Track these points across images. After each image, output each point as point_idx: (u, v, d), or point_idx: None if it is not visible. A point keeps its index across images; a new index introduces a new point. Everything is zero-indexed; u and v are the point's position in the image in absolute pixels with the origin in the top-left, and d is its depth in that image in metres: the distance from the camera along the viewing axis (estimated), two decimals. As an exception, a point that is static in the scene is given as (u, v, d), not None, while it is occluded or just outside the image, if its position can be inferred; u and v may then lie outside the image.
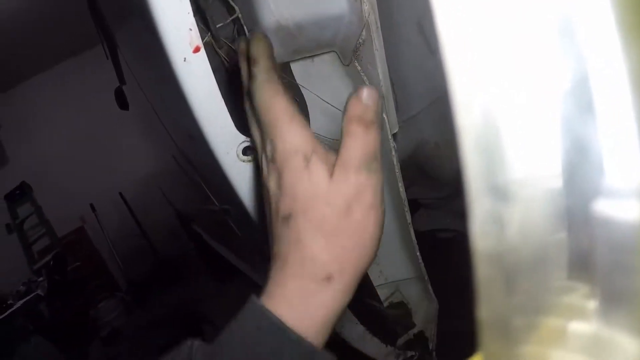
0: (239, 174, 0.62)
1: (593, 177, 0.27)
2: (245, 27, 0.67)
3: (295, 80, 0.76)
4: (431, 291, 1.00)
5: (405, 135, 0.93)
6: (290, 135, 0.44)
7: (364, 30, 0.70)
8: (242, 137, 0.60)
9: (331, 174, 0.44)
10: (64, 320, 3.16)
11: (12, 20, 3.62)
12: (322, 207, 0.42)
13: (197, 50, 0.46)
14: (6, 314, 2.79)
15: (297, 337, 0.39)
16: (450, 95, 0.29)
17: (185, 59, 0.45)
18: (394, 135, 0.76)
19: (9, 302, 3.06)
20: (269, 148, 0.45)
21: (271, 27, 0.69)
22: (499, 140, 0.28)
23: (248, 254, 1.52)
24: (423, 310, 1.04)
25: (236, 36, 0.68)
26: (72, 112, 4.63)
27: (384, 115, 0.74)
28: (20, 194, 4.39)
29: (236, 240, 1.46)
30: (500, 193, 0.29)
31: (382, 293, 0.97)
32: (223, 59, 0.67)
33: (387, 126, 0.74)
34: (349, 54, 0.75)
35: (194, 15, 0.45)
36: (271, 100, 0.44)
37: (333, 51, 0.79)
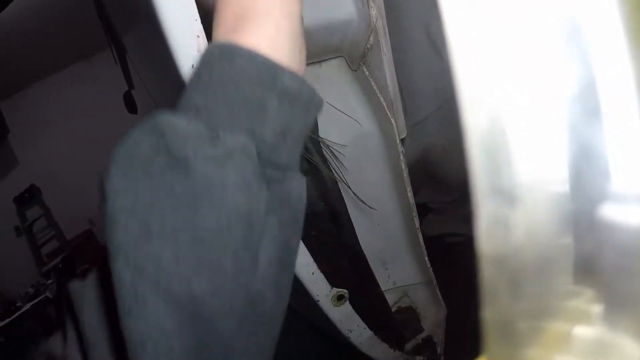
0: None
1: (599, 181, 0.27)
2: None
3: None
4: (439, 296, 1.00)
5: (413, 140, 0.93)
6: None
7: (371, 36, 0.70)
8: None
9: None
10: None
11: (20, 24, 3.66)
12: None
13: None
14: (14, 316, 2.80)
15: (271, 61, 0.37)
16: (457, 98, 0.29)
17: (193, 65, 0.45)
18: (402, 140, 0.76)
19: (17, 305, 3.08)
20: None
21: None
22: (505, 144, 0.28)
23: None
24: (431, 315, 1.04)
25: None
26: (80, 115, 4.67)
27: (392, 120, 0.74)
28: (29, 196, 4.42)
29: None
30: (506, 196, 0.29)
31: (391, 298, 0.97)
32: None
33: (395, 131, 0.74)
34: (357, 59, 0.76)
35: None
36: None
37: (341, 56, 0.79)
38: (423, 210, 1.27)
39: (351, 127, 0.79)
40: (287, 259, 0.40)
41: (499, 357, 0.31)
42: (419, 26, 0.84)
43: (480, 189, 0.29)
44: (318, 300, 0.75)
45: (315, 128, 0.74)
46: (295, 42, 0.41)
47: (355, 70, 0.77)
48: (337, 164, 0.75)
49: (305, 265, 0.71)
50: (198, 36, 0.45)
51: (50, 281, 3.45)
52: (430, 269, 0.92)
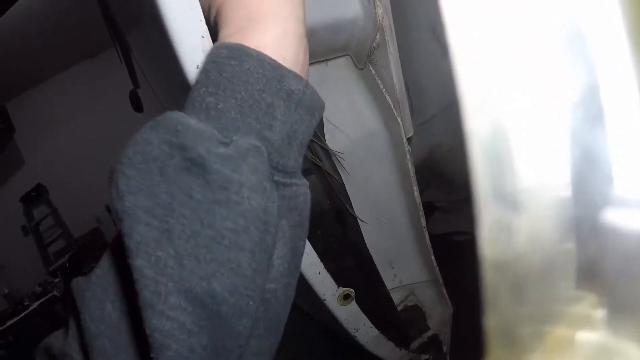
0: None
1: (602, 186, 0.27)
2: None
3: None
4: (446, 295, 1.00)
5: (420, 139, 0.93)
6: None
7: (378, 34, 0.70)
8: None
9: None
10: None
11: (24, 23, 3.68)
12: None
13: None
14: (22, 315, 2.82)
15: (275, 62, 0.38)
16: (460, 102, 0.29)
17: (198, 66, 0.45)
18: (409, 139, 0.76)
19: (25, 304, 3.11)
20: None
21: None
22: (508, 149, 0.28)
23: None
24: (437, 313, 1.04)
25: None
26: (86, 113, 4.68)
27: (399, 119, 0.74)
28: (36, 195, 4.44)
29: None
30: (509, 201, 0.29)
31: (397, 296, 0.97)
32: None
33: (402, 130, 0.74)
34: (363, 58, 0.75)
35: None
36: None
37: (347, 55, 0.79)
38: (429, 208, 1.27)
39: (358, 125, 0.79)
40: (296, 262, 0.41)
41: None
42: (425, 25, 0.84)
43: (483, 194, 0.29)
44: (324, 300, 0.75)
45: (321, 127, 0.74)
46: (300, 44, 0.41)
47: (362, 69, 0.77)
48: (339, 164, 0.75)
49: (312, 265, 0.71)
50: (203, 37, 0.45)
51: (57, 280, 3.47)
52: (437, 267, 0.92)
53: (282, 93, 0.38)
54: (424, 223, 0.84)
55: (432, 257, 0.90)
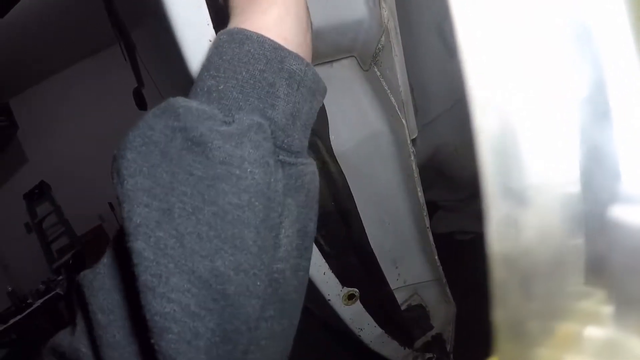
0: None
1: (610, 182, 0.27)
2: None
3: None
4: (449, 294, 1.00)
5: (424, 140, 0.93)
6: None
7: (383, 36, 0.70)
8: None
9: None
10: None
11: (27, 21, 3.68)
12: None
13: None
14: (26, 312, 2.83)
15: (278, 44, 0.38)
16: (468, 99, 0.29)
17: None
18: (413, 141, 0.76)
19: (28, 302, 3.12)
20: None
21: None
22: (516, 145, 0.28)
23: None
24: (441, 312, 1.04)
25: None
26: (89, 111, 4.69)
27: (403, 121, 0.74)
28: (39, 193, 4.46)
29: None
30: (517, 197, 0.29)
31: (401, 296, 0.97)
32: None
33: (407, 131, 0.74)
34: (368, 60, 0.76)
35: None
36: None
37: (352, 56, 0.79)
38: (433, 207, 1.27)
39: (362, 126, 0.79)
40: (306, 244, 0.40)
41: (509, 358, 0.31)
42: (430, 26, 0.84)
43: (491, 189, 0.29)
44: (329, 300, 0.76)
45: (326, 128, 0.74)
46: (301, 24, 0.42)
47: (367, 71, 0.77)
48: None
49: (316, 265, 0.72)
50: (210, 40, 0.45)
51: (60, 277, 3.48)
52: (440, 267, 0.93)
53: (283, 73, 0.38)
54: (427, 223, 0.84)
55: (436, 257, 0.90)
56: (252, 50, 0.37)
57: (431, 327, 1.04)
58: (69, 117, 4.77)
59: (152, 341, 0.31)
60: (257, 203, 0.34)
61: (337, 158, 0.73)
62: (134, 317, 0.34)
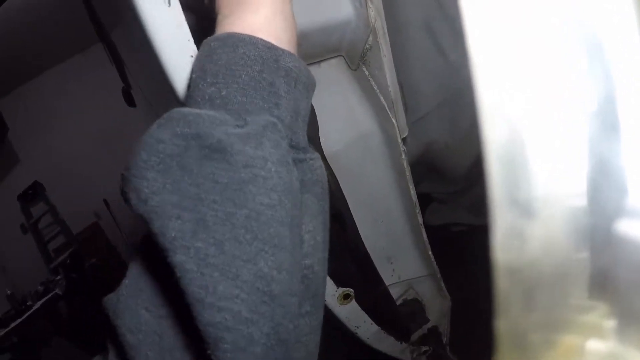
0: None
1: (616, 196, 0.27)
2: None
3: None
4: (444, 288, 1.01)
5: (415, 137, 0.93)
6: None
7: (370, 36, 0.70)
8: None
9: None
10: (83, 318, 3.20)
11: (12, 19, 3.62)
12: None
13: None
14: (26, 315, 2.83)
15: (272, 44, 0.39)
16: (465, 101, 0.29)
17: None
18: (404, 139, 0.76)
19: (27, 304, 3.11)
20: None
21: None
22: (524, 157, 0.28)
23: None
24: (436, 306, 1.05)
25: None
26: (79, 108, 4.64)
27: (393, 120, 0.74)
28: (33, 193, 4.43)
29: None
30: (523, 208, 0.29)
31: (396, 291, 0.98)
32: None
33: (397, 130, 0.74)
34: (356, 59, 0.75)
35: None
36: None
37: (340, 56, 0.79)
38: (427, 199, 1.28)
39: (352, 126, 0.79)
40: (325, 237, 0.41)
41: None
42: (419, 23, 0.83)
43: (497, 200, 0.29)
44: (324, 300, 0.76)
45: (316, 129, 0.74)
46: (287, 22, 0.42)
47: (355, 70, 0.77)
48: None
49: (311, 268, 0.72)
50: (192, 56, 0.45)
51: (59, 277, 3.47)
52: (434, 262, 0.93)
53: (280, 71, 0.38)
54: (420, 220, 0.85)
55: (430, 253, 0.91)
56: (247, 53, 0.37)
57: (427, 320, 1.05)
58: (59, 115, 4.72)
59: (209, 352, 0.31)
60: (286, 201, 0.34)
61: (327, 159, 0.73)
62: (172, 331, 0.34)
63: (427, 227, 0.89)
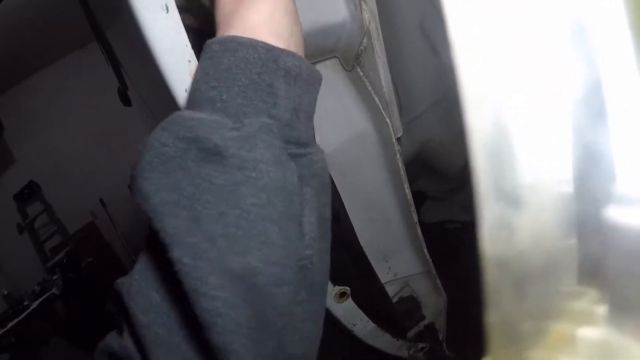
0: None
1: (604, 183, 0.27)
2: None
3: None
4: (440, 285, 1.02)
5: (409, 137, 0.94)
6: None
7: (364, 38, 0.71)
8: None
9: None
10: (80, 317, 3.20)
11: (7, 17, 3.60)
12: None
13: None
14: (23, 315, 2.82)
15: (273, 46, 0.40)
16: (460, 99, 0.29)
17: (186, 90, 0.46)
18: (398, 139, 0.77)
19: (25, 304, 3.10)
20: None
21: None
22: (509, 146, 0.28)
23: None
24: (432, 303, 1.06)
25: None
26: (75, 107, 4.62)
27: (388, 120, 0.75)
28: (29, 193, 4.41)
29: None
30: (510, 199, 0.29)
31: (392, 289, 0.99)
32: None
33: (392, 131, 0.75)
34: (351, 61, 0.76)
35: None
36: None
37: (335, 57, 0.79)
38: (421, 197, 1.29)
39: (347, 127, 0.80)
40: (325, 228, 0.44)
41: (503, 358, 0.32)
42: (413, 25, 0.84)
43: (484, 191, 0.29)
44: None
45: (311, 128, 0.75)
46: (291, 18, 0.43)
47: (350, 71, 0.78)
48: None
49: (308, 266, 0.73)
50: (190, 61, 0.46)
51: (55, 277, 3.47)
52: (430, 260, 0.94)
53: (279, 72, 0.40)
54: (415, 219, 0.86)
55: (425, 251, 0.92)
56: (246, 56, 0.39)
57: (423, 317, 1.06)
58: (56, 114, 4.70)
59: (204, 336, 0.35)
60: (275, 199, 0.37)
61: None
62: (178, 311, 0.38)
63: (423, 225, 0.90)
